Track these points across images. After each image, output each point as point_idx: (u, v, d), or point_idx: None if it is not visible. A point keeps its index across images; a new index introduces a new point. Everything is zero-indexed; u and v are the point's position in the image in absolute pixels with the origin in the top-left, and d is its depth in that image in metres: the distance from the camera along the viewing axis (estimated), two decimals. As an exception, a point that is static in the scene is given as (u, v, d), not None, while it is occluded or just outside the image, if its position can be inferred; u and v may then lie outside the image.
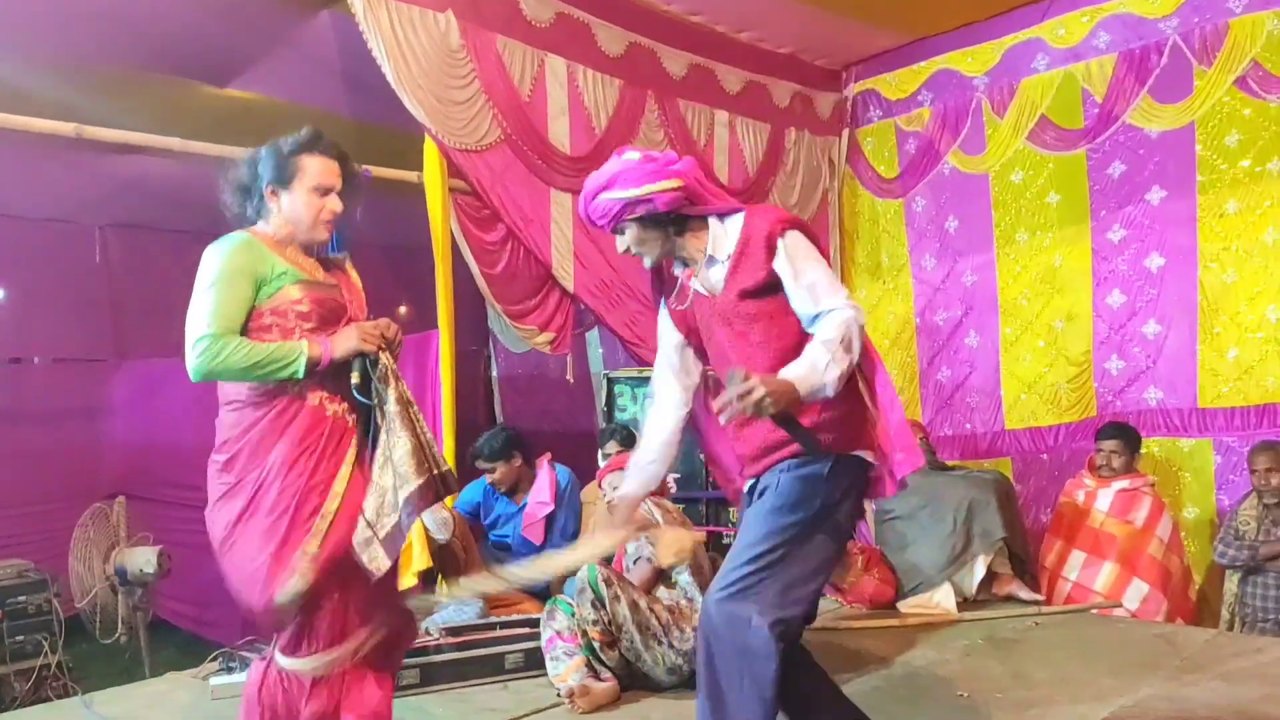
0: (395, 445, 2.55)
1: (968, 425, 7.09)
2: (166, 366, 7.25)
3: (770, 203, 7.04)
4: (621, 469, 4.41)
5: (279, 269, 2.64)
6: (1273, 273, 5.79)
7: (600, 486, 4.65)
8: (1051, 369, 6.67)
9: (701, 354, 2.96)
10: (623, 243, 2.86)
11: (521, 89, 5.47)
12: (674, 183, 2.77)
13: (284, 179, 2.72)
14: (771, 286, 2.73)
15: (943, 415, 7.18)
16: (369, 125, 5.82)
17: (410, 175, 5.16)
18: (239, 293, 2.59)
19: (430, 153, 5.08)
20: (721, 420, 2.51)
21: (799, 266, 2.70)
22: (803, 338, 2.67)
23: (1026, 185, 6.70)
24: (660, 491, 4.29)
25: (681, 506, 5.38)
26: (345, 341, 2.63)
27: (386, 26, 4.77)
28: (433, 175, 5.09)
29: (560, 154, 5.71)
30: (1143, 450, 5.61)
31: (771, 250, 2.72)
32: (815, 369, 2.49)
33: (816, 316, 2.64)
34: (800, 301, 2.68)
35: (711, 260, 2.82)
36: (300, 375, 2.56)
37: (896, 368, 7.42)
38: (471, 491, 5.28)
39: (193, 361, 2.56)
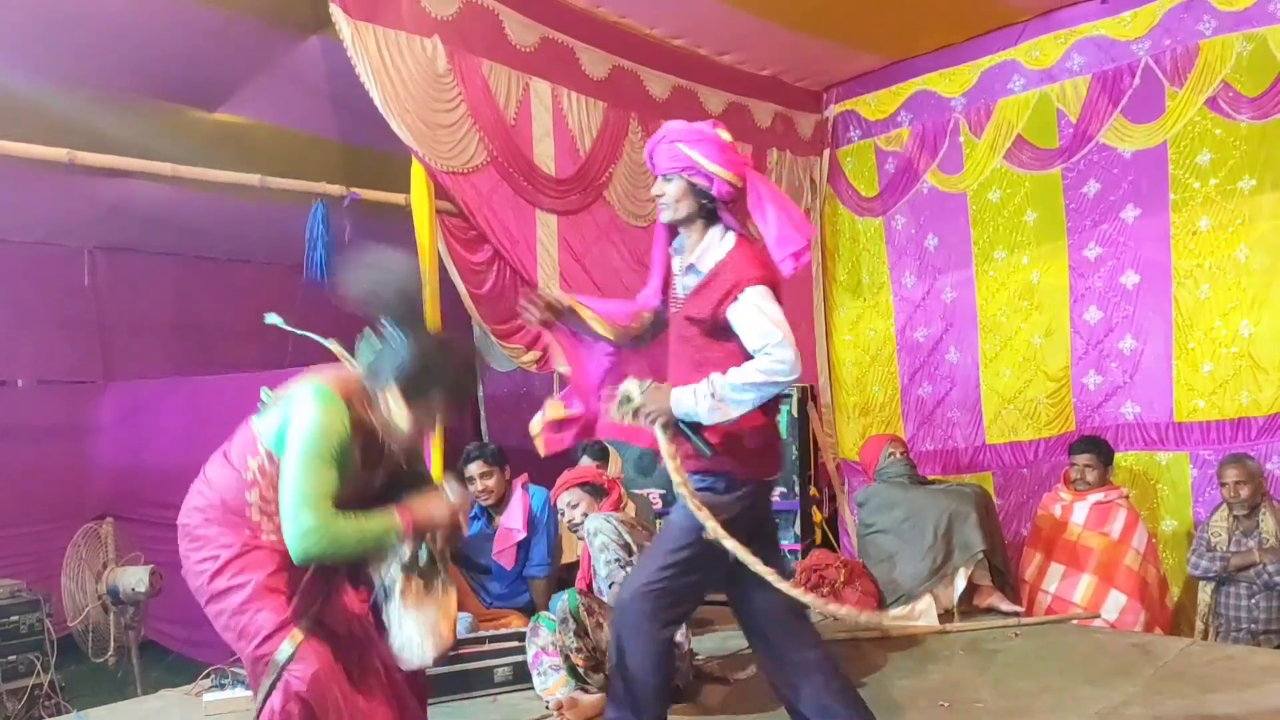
0: (423, 616, 2.58)
1: (949, 440, 7.19)
2: (153, 388, 7.31)
3: (754, 223, 7.13)
4: (573, 487, 4.49)
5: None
6: (1245, 288, 5.91)
7: (556, 505, 4.69)
8: (1030, 384, 6.77)
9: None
10: (663, 188, 3.00)
11: (507, 112, 5.56)
12: (739, 180, 2.97)
13: (416, 394, 2.62)
14: (717, 327, 2.94)
15: (924, 430, 7.27)
16: (356, 148, 5.90)
17: (398, 197, 5.23)
18: (340, 469, 2.50)
19: (417, 175, 5.15)
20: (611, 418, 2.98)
21: (748, 323, 2.88)
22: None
23: (1004, 204, 6.82)
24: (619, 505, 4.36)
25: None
26: (428, 517, 2.60)
27: (374, 51, 4.85)
28: (420, 197, 5.16)
29: (545, 175, 5.79)
30: (1116, 463, 5.70)
31: (728, 299, 2.90)
32: (695, 397, 2.84)
33: None
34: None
35: (692, 268, 2.94)
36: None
37: (878, 384, 7.53)
38: None
39: (300, 547, 2.41)
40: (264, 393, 2.74)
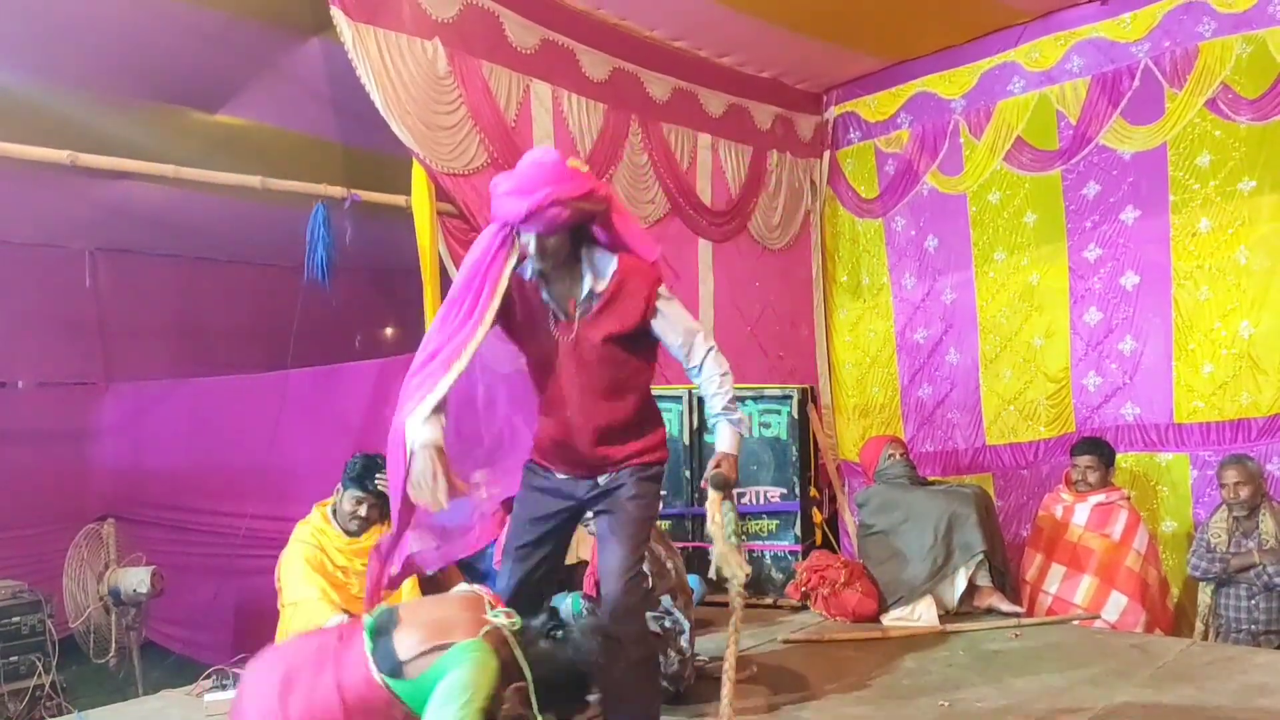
0: None
1: (949, 441, 7.20)
2: (154, 389, 7.33)
3: (754, 224, 7.16)
4: None
5: None
6: (1244, 290, 5.92)
7: None
8: (1030, 386, 6.78)
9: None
10: (544, 244, 2.96)
11: (507, 114, 5.57)
12: (605, 202, 3.04)
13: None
14: (639, 335, 3.09)
15: (924, 431, 7.28)
16: (357, 150, 5.91)
17: (399, 199, 5.23)
18: None
19: (418, 177, 5.15)
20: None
21: (676, 324, 3.12)
22: (644, 386, 3.20)
23: (1004, 205, 6.83)
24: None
25: (668, 524, 5.47)
26: None
27: (375, 53, 4.86)
28: (421, 199, 5.16)
29: (546, 177, 5.78)
30: (1117, 464, 5.71)
31: (650, 306, 3.06)
32: (738, 436, 3.22)
33: (692, 362, 3.16)
34: (679, 350, 3.15)
35: (590, 294, 3.02)
36: None
37: (878, 385, 7.53)
38: None
39: None
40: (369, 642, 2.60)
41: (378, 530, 4.34)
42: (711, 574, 3.31)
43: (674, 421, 5.64)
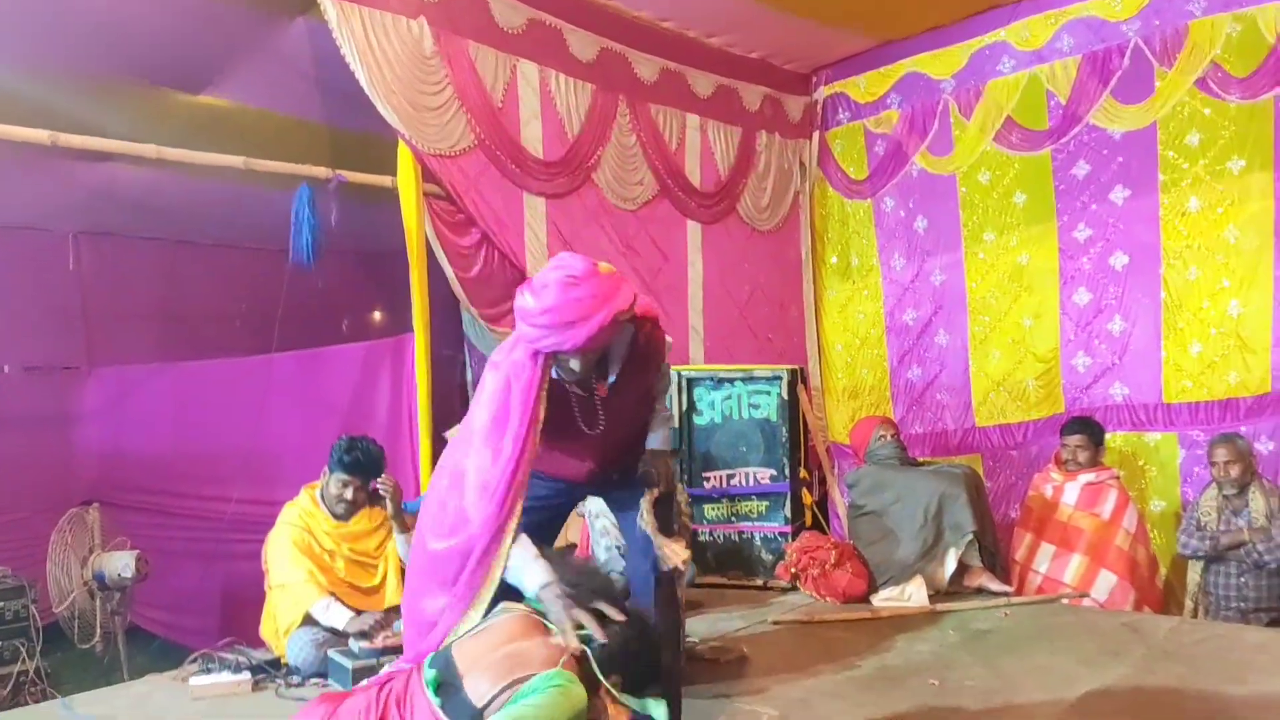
0: None
1: (938, 423, 7.20)
2: (139, 373, 7.28)
3: (743, 206, 7.14)
4: None
5: None
6: (1233, 269, 5.92)
7: None
8: (1019, 366, 6.77)
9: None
10: (588, 362, 2.89)
11: (494, 94, 5.52)
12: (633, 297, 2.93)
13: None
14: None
15: (914, 413, 7.27)
16: (343, 131, 5.86)
17: (384, 180, 5.19)
18: None
19: (404, 158, 5.11)
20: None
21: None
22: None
23: (993, 185, 6.81)
24: None
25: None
26: None
27: (360, 33, 4.81)
28: (406, 180, 5.13)
29: (533, 158, 5.75)
30: (1107, 444, 5.71)
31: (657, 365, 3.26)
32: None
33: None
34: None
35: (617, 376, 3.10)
36: None
37: (867, 366, 7.53)
38: None
39: None
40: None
41: (367, 514, 4.32)
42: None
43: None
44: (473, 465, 2.89)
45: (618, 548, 3.98)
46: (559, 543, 5.14)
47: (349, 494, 4.22)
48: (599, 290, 2.76)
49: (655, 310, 3.21)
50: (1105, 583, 5.12)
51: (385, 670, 2.90)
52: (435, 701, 2.34)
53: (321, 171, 4.98)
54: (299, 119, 6.03)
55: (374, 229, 5.56)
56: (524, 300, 2.80)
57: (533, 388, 2.87)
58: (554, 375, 2.95)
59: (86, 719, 3.53)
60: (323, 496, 4.28)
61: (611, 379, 3.05)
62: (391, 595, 4.25)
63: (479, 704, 2.29)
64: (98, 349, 7.58)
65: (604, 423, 3.09)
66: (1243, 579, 4.92)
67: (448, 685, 2.37)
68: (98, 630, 4.91)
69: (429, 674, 2.41)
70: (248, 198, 6.21)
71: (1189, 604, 5.13)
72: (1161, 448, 6.19)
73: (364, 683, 2.75)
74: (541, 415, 2.89)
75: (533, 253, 5.70)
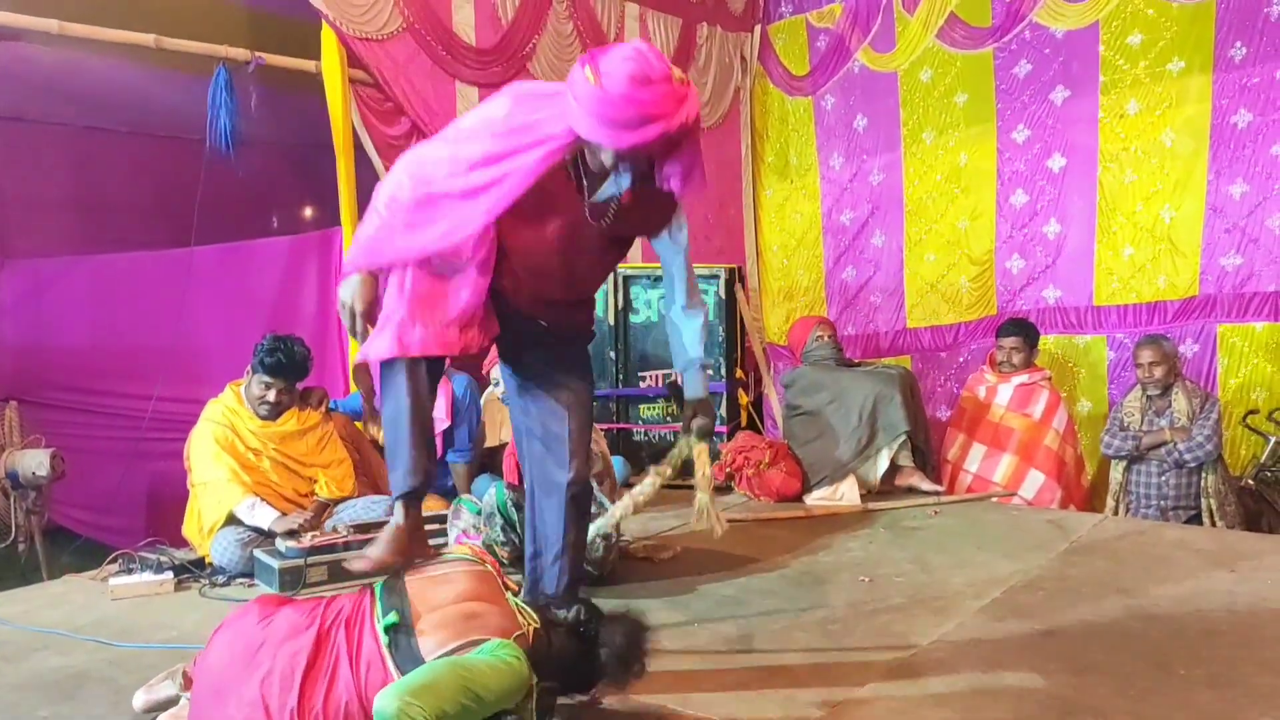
0: None
1: (870, 324, 7.22)
2: (54, 266, 6.98)
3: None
4: None
5: None
6: (1168, 173, 5.95)
7: (487, 375, 4.63)
8: (954, 268, 6.79)
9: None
10: (624, 166, 2.66)
11: (424, -25, 5.27)
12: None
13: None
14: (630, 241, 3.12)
15: (847, 314, 7.29)
16: (263, 12, 5.57)
17: (307, 64, 4.96)
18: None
19: (328, 41, 4.89)
20: None
21: (683, 249, 3.07)
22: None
23: (934, 84, 6.73)
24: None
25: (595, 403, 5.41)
26: None
27: (279, -97, 4.53)
28: (331, 65, 4.91)
29: (465, 45, 5.54)
30: (1040, 346, 5.77)
31: (670, 223, 2.99)
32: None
33: (684, 297, 3.12)
34: (675, 272, 3.08)
35: (616, 196, 2.80)
36: None
37: (803, 267, 7.50)
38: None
39: None
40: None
41: (293, 415, 4.21)
42: (692, 523, 3.21)
43: (599, 302, 5.53)
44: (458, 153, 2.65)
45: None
46: (490, 440, 5.11)
47: (271, 396, 4.09)
48: (669, 97, 2.46)
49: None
50: (1033, 482, 5.22)
51: None
52: (384, 640, 2.32)
53: (240, 53, 4.74)
54: (216, -1, 5.71)
55: (300, 118, 5.33)
56: (584, 77, 2.46)
57: (550, 159, 2.60)
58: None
59: (-1, 621, 3.43)
60: (247, 395, 4.15)
61: (620, 189, 2.77)
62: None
63: (427, 657, 2.26)
64: (9, 240, 7.24)
65: (584, 227, 2.81)
66: (1163, 478, 5.04)
67: (401, 630, 2.33)
68: (15, 530, 4.77)
69: (387, 617, 2.35)
70: (163, 82, 5.89)
71: (1111, 502, 5.24)
72: (1090, 350, 6.29)
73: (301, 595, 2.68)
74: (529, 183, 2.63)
75: (465, 145, 5.51)
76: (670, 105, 2.47)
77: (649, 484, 3.19)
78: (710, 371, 3.19)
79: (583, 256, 2.91)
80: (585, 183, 2.78)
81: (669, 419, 5.68)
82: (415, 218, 2.65)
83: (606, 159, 2.64)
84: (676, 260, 3.04)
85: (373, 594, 2.46)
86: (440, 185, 2.63)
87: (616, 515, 3.44)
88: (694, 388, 3.12)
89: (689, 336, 3.10)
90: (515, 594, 2.59)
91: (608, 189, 2.77)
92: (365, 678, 2.28)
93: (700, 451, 3.09)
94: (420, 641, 2.30)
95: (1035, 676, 2.79)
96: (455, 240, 2.66)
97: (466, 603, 2.40)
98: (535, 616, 2.47)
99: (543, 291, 2.94)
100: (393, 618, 2.34)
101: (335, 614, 2.42)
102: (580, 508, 3.13)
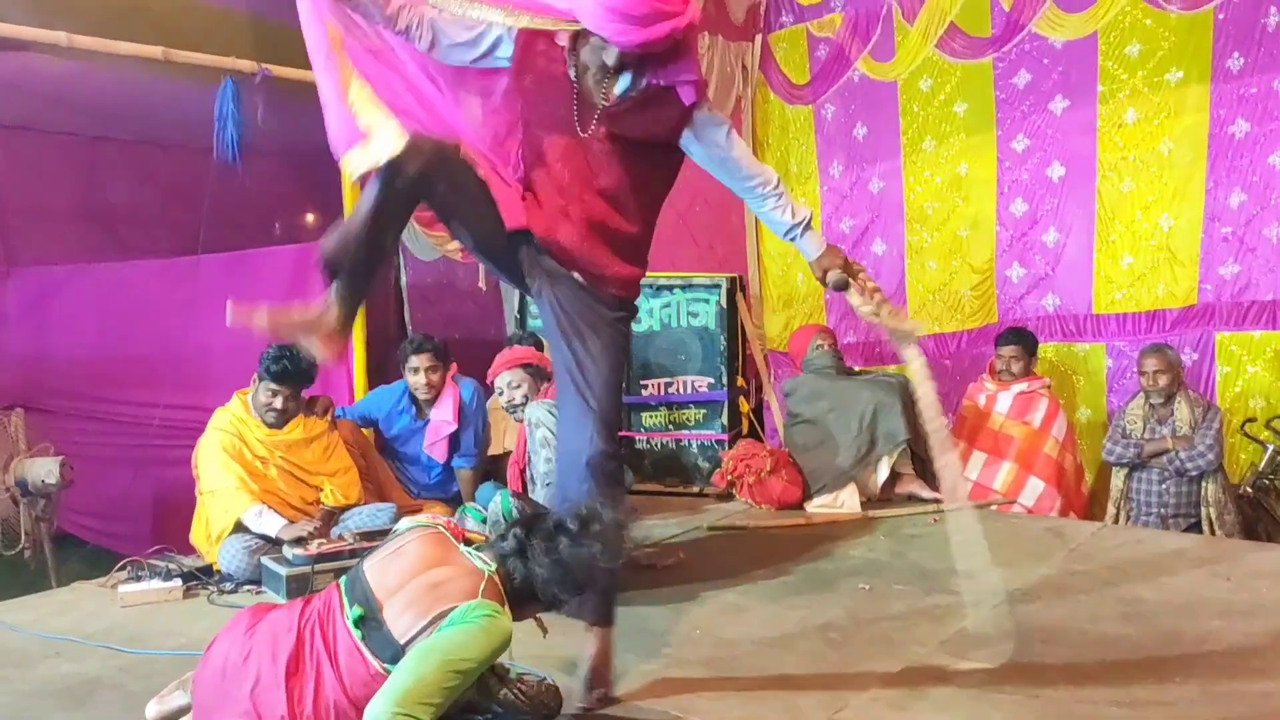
0: None
1: (872, 332, 7.23)
2: (60, 274, 7.02)
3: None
4: (516, 367, 4.44)
5: None
6: (1166, 182, 5.97)
7: (493, 384, 4.66)
8: (955, 277, 6.82)
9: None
10: (620, 63, 2.66)
11: (429, -12, 5.31)
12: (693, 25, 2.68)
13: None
14: (656, 155, 2.91)
15: (848, 322, 7.30)
16: (269, 22, 5.61)
17: (312, 75, 4.99)
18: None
19: (334, 53, 4.91)
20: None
21: (719, 139, 2.90)
22: (648, 214, 3.01)
23: (934, 93, 6.76)
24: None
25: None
26: None
27: (285, -82, 4.57)
28: (338, 76, 4.93)
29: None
30: (1039, 354, 5.80)
31: (686, 118, 2.84)
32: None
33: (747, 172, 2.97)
34: (733, 164, 2.93)
35: (625, 92, 2.79)
36: None
37: (804, 275, 7.51)
38: (375, 401, 5.15)
39: None
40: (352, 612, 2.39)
41: (299, 423, 4.25)
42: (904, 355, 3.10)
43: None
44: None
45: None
46: (494, 449, 5.15)
47: (278, 403, 4.14)
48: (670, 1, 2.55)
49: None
50: (1033, 489, 5.26)
51: None
52: (356, 634, 2.33)
53: (247, 65, 4.79)
54: (224, 9, 5.75)
55: (305, 127, 5.36)
56: None
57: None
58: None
59: (6, 627, 3.47)
60: (253, 403, 4.20)
61: (620, 89, 2.76)
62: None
63: (402, 639, 2.28)
64: (16, 249, 7.28)
65: (593, 130, 2.79)
66: (1164, 486, 5.08)
67: (369, 619, 2.34)
68: (23, 537, 4.82)
69: (352, 611, 2.36)
70: (170, 92, 5.94)
71: (1112, 509, 5.28)
72: (1090, 358, 6.32)
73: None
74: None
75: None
76: (679, 3, 2.55)
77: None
78: (813, 231, 3.00)
79: (599, 168, 2.84)
80: (577, 83, 2.79)
81: (670, 427, 5.72)
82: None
83: (610, 57, 2.65)
84: (713, 159, 2.91)
85: (339, 589, 2.48)
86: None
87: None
88: (810, 250, 3.00)
89: (774, 216, 2.99)
90: (472, 544, 2.57)
91: (603, 86, 2.77)
92: (348, 674, 2.31)
93: (853, 296, 3.00)
94: (391, 627, 2.31)
95: (1032, 685, 2.83)
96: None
97: (425, 573, 2.40)
98: (490, 560, 2.45)
99: (574, 196, 2.85)
100: (358, 610, 2.36)
101: (311, 614, 2.45)
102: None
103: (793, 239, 3.01)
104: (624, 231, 2.93)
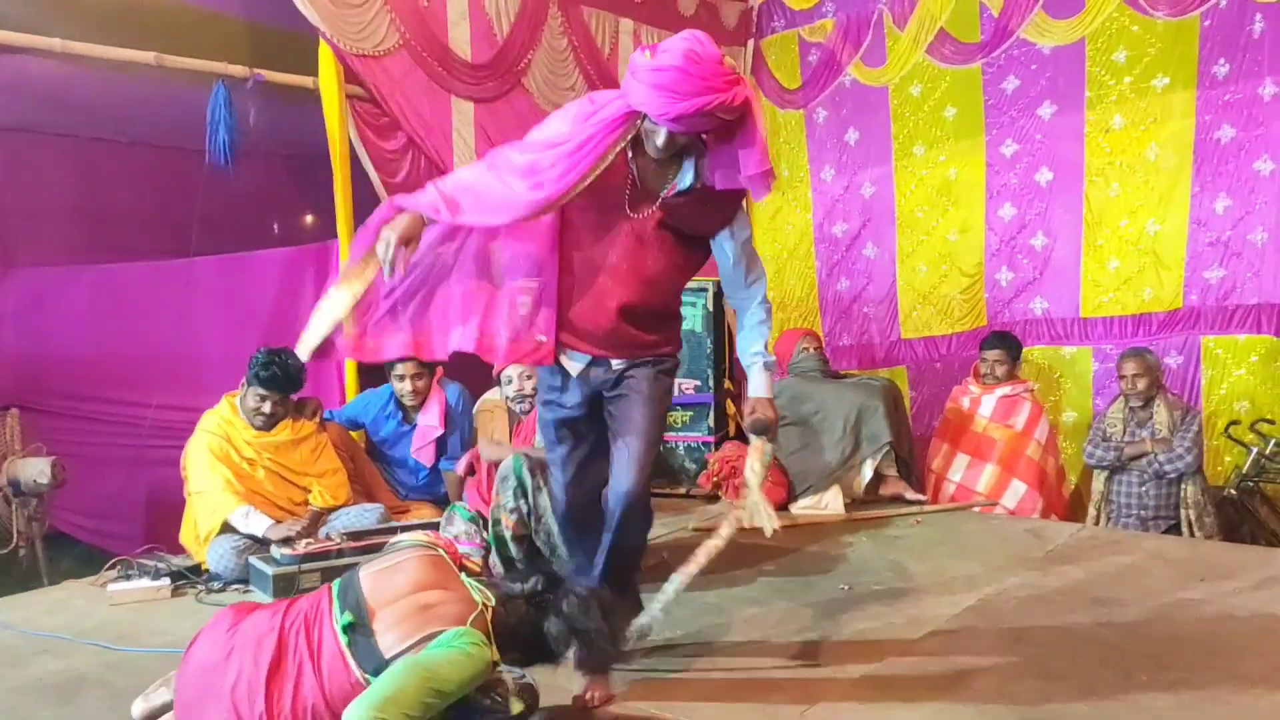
0: None
1: (865, 335, 7.30)
2: (56, 275, 7.07)
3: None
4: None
5: None
6: (1153, 187, 6.04)
7: (497, 378, 4.66)
8: (945, 280, 6.88)
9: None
10: (671, 143, 2.78)
11: (420, -8, 5.37)
12: (745, 104, 2.75)
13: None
14: (700, 242, 3.05)
15: (841, 325, 7.37)
16: (262, 27, 5.67)
17: (306, 80, 5.06)
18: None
19: (325, 57, 4.98)
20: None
21: (746, 246, 3.10)
22: (679, 289, 3.19)
23: (925, 98, 6.82)
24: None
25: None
26: None
27: (277, -76, 4.63)
28: (329, 81, 5.00)
29: (461, 61, 5.63)
30: (1025, 356, 5.85)
31: (731, 220, 3.01)
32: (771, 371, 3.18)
33: (747, 288, 3.14)
34: (735, 271, 3.08)
35: (688, 187, 2.90)
36: None
37: (796, 279, 7.58)
38: (362, 405, 5.18)
39: None
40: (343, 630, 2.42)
41: (287, 425, 4.30)
42: (744, 520, 3.14)
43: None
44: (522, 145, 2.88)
45: None
46: (499, 435, 5.17)
47: (266, 408, 4.19)
48: (716, 75, 2.65)
49: (750, 161, 2.86)
50: (1015, 492, 5.31)
51: None
52: (344, 640, 2.37)
53: (239, 70, 4.84)
54: (216, 13, 5.80)
55: (298, 131, 5.42)
56: (641, 56, 2.73)
57: (614, 123, 2.77)
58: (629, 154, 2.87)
59: None
60: (242, 406, 4.25)
61: (683, 184, 2.90)
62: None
63: (387, 655, 2.33)
64: (11, 250, 7.32)
65: (647, 218, 2.93)
66: (1143, 488, 5.13)
67: (359, 628, 2.38)
68: (16, 536, 4.86)
69: (344, 617, 2.40)
70: (164, 95, 5.99)
71: (1092, 511, 5.33)
72: (1077, 361, 6.37)
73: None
74: (606, 158, 2.78)
75: (461, 158, 5.62)
76: (719, 81, 2.65)
77: (724, 534, 3.10)
78: (773, 370, 3.16)
79: (647, 252, 2.96)
80: (637, 171, 2.91)
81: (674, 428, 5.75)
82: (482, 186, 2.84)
83: (660, 138, 2.77)
84: (736, 258, 3.05)
85: (330, 593, 2.52)
86: (510, 162, 2.82)
87: (691, 570, 3.13)
88: (761, 386, 3.12)
89: (750, 333, 3.13)
90: (474, 573, 2.64)
91: (666, 178, 2.90)
92: (328, 679, 2.34)
93: (756, 449, 3.08)
94: (379, 640, 2.36)
95: (1003, 683, 2.88)
96: (515, 213, 2.80)
97: (420, 593, 2.45)
98: (491, 593, 2.50)
99: (606, 292, 2.97)
100: (348, 617, 2.40)
101: (296, 616, 2.48)
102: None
103: (752, 364, 3.12)
104: (658, 312, 3.09)
